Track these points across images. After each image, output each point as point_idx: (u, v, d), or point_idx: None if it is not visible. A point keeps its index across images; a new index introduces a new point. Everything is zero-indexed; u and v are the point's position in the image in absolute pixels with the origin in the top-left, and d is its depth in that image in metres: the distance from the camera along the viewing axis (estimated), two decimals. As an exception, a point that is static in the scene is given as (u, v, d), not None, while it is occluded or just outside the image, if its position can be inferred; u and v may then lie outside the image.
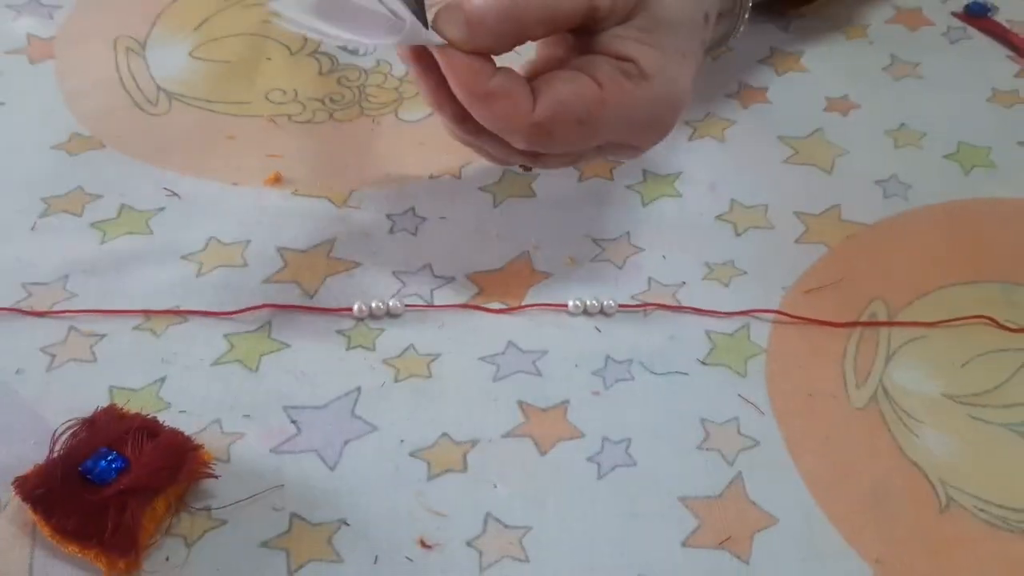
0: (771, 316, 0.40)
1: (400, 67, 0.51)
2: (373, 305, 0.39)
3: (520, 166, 0.40)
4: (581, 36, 0.36)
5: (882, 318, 0.40)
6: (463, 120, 0.36)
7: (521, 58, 0.36)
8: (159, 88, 0.49)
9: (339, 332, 0.39)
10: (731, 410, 0.37)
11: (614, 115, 0.35)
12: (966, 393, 0.38)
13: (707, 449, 0.36)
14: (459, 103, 0.34)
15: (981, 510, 0.34)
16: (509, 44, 0.34)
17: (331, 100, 0.49)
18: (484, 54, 0.34)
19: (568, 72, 0.35)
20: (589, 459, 0.35)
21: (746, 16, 0.41)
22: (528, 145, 0.35)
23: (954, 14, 0.55)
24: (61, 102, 0.48)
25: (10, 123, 0.47)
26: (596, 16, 0.35)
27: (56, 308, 0.39)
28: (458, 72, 0.33)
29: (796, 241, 0.43)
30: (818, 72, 0.51)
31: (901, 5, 0.55)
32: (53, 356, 0.37)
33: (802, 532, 0.33)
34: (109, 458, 0.32)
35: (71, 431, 0.33)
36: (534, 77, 0.35)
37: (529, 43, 0.36)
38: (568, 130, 0.34)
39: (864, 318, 0.40)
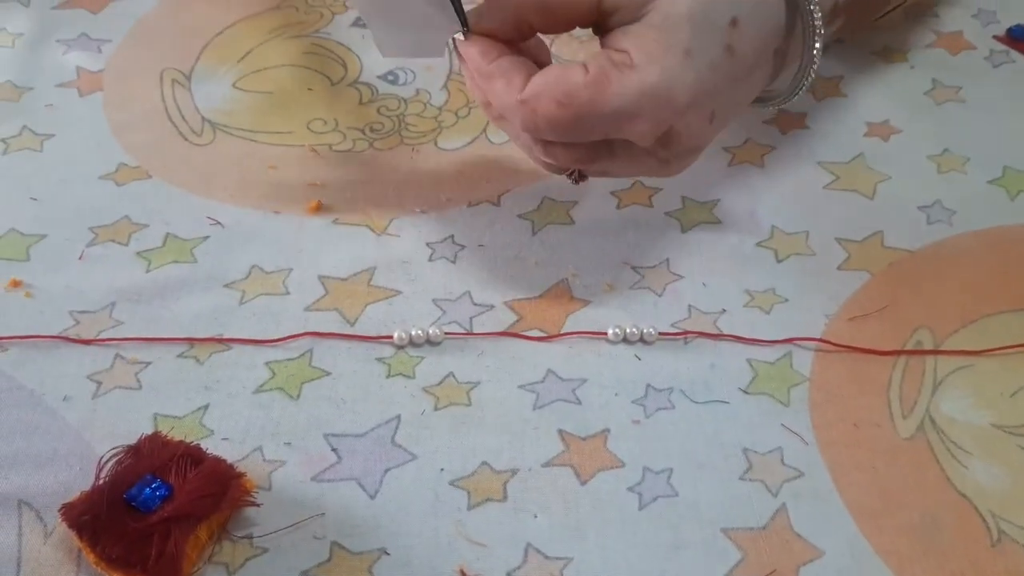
0: (814, 344, 0.39)
1: (439, 97, 0.51)
2: (413, 333, 0.39)
3: (568, 176, 0.41)
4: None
5: (927, 346, 0.39)
6: (487, 105, 0.39)
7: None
8: (203, 119, 0.50)
9: (379, 360, 0.39)
10: (774, 440, 0.36)
11: (595, 100, 0.35)
12: (1016, 423, 0.37)
13: (750, 480, 0.35)
14: None
15: (1034, 544, 0.33)
16: (511, 31, 0.37)
17: (371, 129, 0.49)
18: (497, 40, 0.37)
19: (561, 64, 0.36)
20: (630, 489, 0.35)
21: (815, 63, 0.40)
22: (523, 127, 0.36)
23: (996, 37, 0.54)
24: (109, 133, 0.49)
25: (60, 154, 0.48)
26: (603, 11, 0.36)
27: (102, 336, 0.39)
28: (467, 54, 0.37)
29: (838, 268, 0.42)
30: (858, 97, 0.51)
31: (942, 29, 0.55)
32: (99, 383, 0.38)
33: (848, 566, 0.33)
34: (153, 486, 0.32)
35: (116, 458, 0.34)
36: None
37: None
38: (550, 110, 0.35)
39: (909, 346, 0.39)
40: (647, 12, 0.36)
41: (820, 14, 0.39)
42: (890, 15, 0.52)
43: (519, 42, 0.38)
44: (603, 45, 0.37)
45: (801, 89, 0.42)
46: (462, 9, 0.37)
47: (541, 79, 0.36)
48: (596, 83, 0.35)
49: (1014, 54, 0.53)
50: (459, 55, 0.38)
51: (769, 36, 0.38)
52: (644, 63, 0.35)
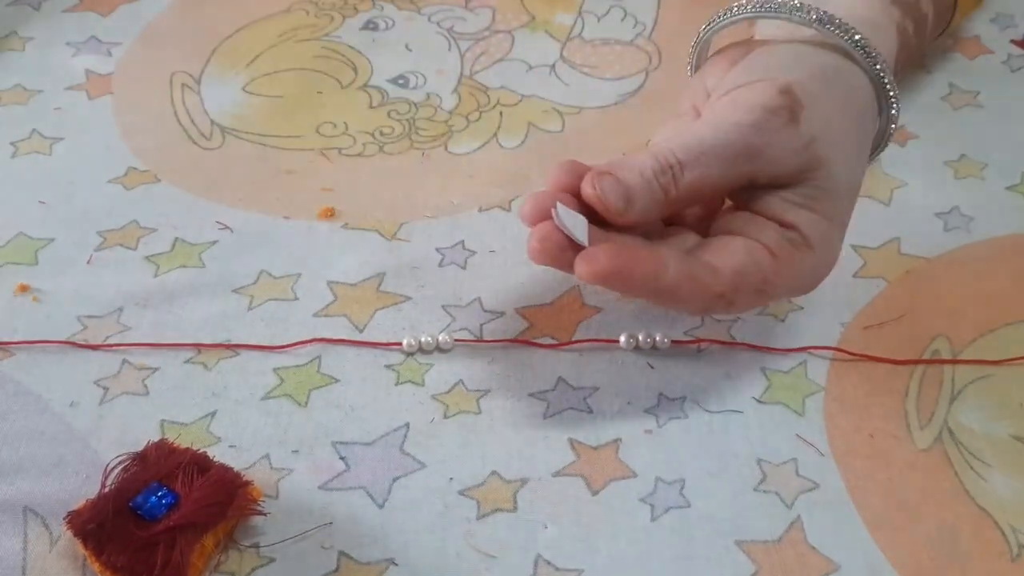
0: (829, 353, 0.39)
1: (450, 101, 0.51)
2: (422, 339, 0.39)
3: None
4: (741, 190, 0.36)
5: (945, 355, 0.39)
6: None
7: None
8: (213, 123, 0.49)
9: (388, 367, 0.38)
10: (789, 450, 0.36)
11: (784, 284, 0.35)
12: (1036, 435, 0.36)
13: (764, 491, 0.34)
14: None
15: (1055, 559, 0.33)
16: (656, 218, 0.35)
17: (381, 133, 0.49)
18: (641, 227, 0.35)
19: (738, 240, 0.34)
20: (642, 500, 0.34)
21: (884, 148, 0.41)
22: (703, 313, 0.36)
23: (1014, 42, 0.54)
24: (118, 137, 0.48)
25: (69, 157, 0.47)
26: (752, 184, 0.35)
27: (110, 341, 0.39)
28: (637, 275, 0.32)
29: (854, 275, 0.42)
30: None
31: (959, 34, 0.54)
32: (106, 389, 0.37)
33: (865, 580, 0.32)
34: (160, 494, 0.32)
35: (122, 465, 0.33)
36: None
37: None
38: (747, 299, 0.35)
39: (926, 355, 0.39)
40: (803, 182, 0.35)
41: (897, 106, 0.39)
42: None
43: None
44: (754, 208, 0.35)
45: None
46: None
47: (733, 269, 0.34)
48: (785, 267, 0.34)
49: (1032, 58, 0.53)
50: (599, 272, 0.32)
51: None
52: (819, 242, 0.35)
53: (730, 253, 0.34)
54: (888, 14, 0.41)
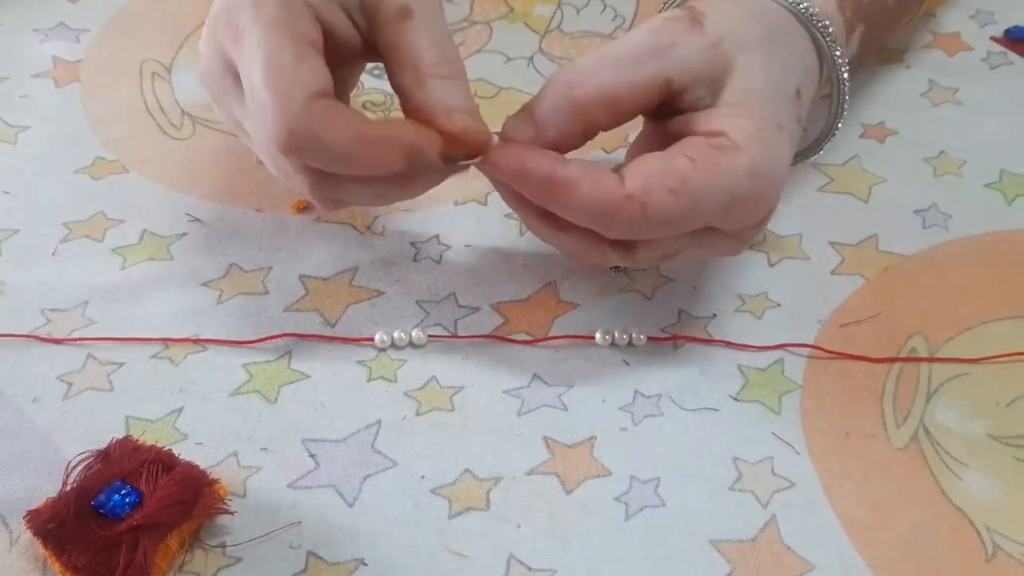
0: (806, 351, 0.38)
1: (426, 92, 0.50)
2: (395, 335, 0.38)
3: (612, 267, 0.40)
4: (670, 125, 0.35)
5: (922, 354, 0.38)
6: (546, 216, 0.34)
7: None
8: (184, 112, 0.48)
9: (360, 363, 0.38)
10: (765, 449, 0.35)
11: (709, 184, 0.33)
12: (1012, 434, 0.36)
13: (740, 490, 0.34)
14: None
15: (1030, 559, 0.32)
16: (580, 137, 0.34)
17: (356, 125, 0.48)
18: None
19: (656, 154, 0.33)
20: (616, 499, 0.34)
21: (845, 107, 0.39)
22: (622, 228, 0.33)
23: (994, 39, 0.54)
24: (85, 126, 0.47)
25: (35, 147, 0.46)
26: (673, 91, 0.34)
27: (74, 335, 0.38)
28: (529, 165, 0.33)
29: (832, 272, 0.41)
30: (853, 98, 0.50)
31: (939, 30, 0.54)
32: (70, 384, 0.36)
33: (840, 580, 0.32)
34: (123, 492, 0.31)
35: (85, 463, 0.33)
36: None
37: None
38: (663, 201, 0.32)
39: (903, 354, 0.38)
40: (720, 89, 0.34)
41: (847, 73, 0.38)
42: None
43: (579, 146, 0.35)
44: (671, 129, 0.35)
45: (824, 145, 0.41)
46: None
47: (643, 170, 0.33)
48: (706, 168, 0.33)
49: (1012, 55, 0.53)
50: (502, 169, 0.33)
51: (814, 101, 0.38)
52: (747, 142, 0.33)
53: (640, 161, 0.33)
54: None
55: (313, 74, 0.32)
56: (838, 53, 0.38)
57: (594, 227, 0.33)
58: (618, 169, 0.33)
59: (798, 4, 0.37)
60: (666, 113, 0.35)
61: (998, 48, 0.53)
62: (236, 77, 0.34)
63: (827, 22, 0.38)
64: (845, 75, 0.38)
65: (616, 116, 0.34)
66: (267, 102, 0.32)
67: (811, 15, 0.37)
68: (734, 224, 0.35)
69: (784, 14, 0.37)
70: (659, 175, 0.32)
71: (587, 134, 0.35)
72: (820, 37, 0.37)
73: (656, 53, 0.34)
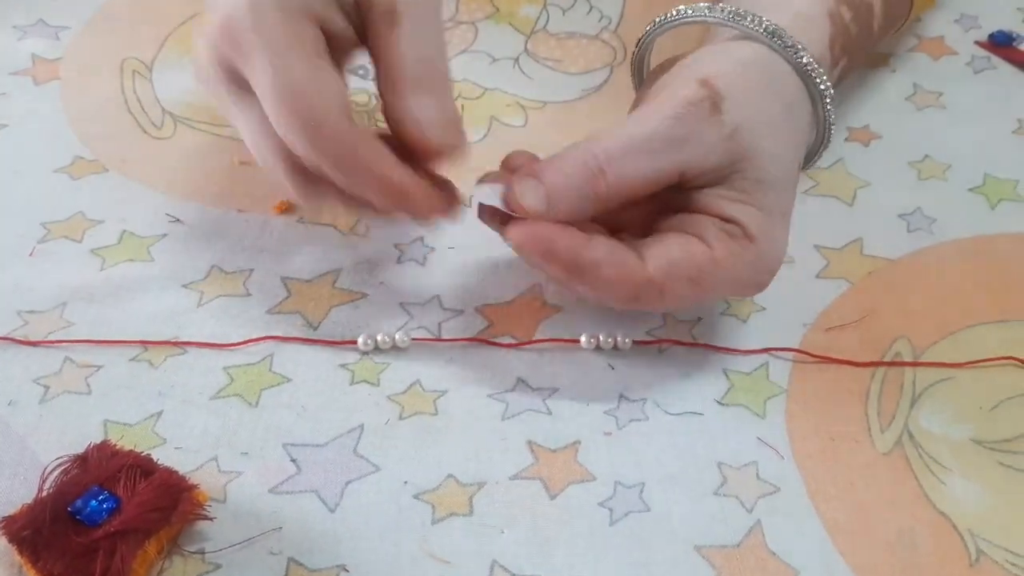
0: (791, 355, 0.38)
1: (410, 92, 0.49)
2: (379, 338, 0.38)
3: None
4: (675, 192, 0.36)
5: (907, 358, 0.38)
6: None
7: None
8: (164, 111, 0.48)
9: (343, 366, 0.37)
10: (749, 453, 0.35)
11: (723, 275, 0.35)
12: (995, 439, 0.36)
13: (724, 495, 0.34)
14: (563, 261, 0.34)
15: (1013, 564, 0.32)
16: (588, 216, 0.35)
17: (339, 125, 0.48)
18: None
19: (674, 234, 0.35)
20: (601, 504, 0.34)
21: (828, 142, 0.40)
22: (638, 305, 0.35)
23: (978, 43, 0.54)
24: (65, 124, 0.47)
25: (13, 145, 0.46)
26: (684, 180, 0.35)
27: (52, 337, 0.37)
28: (558, 249, 0.33)
29: (817, 276, 0.41)
30: (839, 101, 0.50)
31: (923, 34, 0.54)
32: (47, 388, 0.36)
33: (824, 585, 0.32)
34: (100, 498, 0.31)
35: (62, 468, 0.32)
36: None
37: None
38: (680, 288, 0.34)
39: (888, 358, 0.38)
40: (731, 175, 0.35)
41: (830, 94, 0.38)
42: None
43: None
44: (693, 208, 0.35)
45: (807, 168, 0.41)
46: None
47: (666, 257, 0.34)
48: (724, 258, 0.34)
49: (995, 60, 0.53)
50: (527, 250, 0.34)
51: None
52: (759, 234, 0.35)
53: (663, 244, 0.34)
54: (820, 2, 0.41)
55: (330, 86, 0.33)
56: (829, 105, 0.38)
57: (612, 300, 0.35)
58: (639, 248, 0.34)
59: (798, 56, 0.37)
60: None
61: (982, 52, 0.53)
62: (239, 83, 0.34)
63: (829, 87, 0.38)
64: (831, 120, 0.39)
65: (627, 201, 0.35)
66: (290, 127, 0.33)
67: (809, 70, 0.37)
68: (728, 298, 0.39)
69: (791, 77, 0.37)
70: (680, 264, 0.34)
71: (597, 214, 0.35)
72: (818, 98, 0.38)
73: (676, 145, 0.34)
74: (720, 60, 0.37)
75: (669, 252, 0.34)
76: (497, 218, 0.36)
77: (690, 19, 0.38)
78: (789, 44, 0.37)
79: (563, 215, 0.34)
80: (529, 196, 0.34)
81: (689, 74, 0.36)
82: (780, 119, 0.36)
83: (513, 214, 0.35)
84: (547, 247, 0.34)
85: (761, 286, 0.37)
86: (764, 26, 0.37)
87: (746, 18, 0.37)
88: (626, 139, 0.34)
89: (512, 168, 0.36)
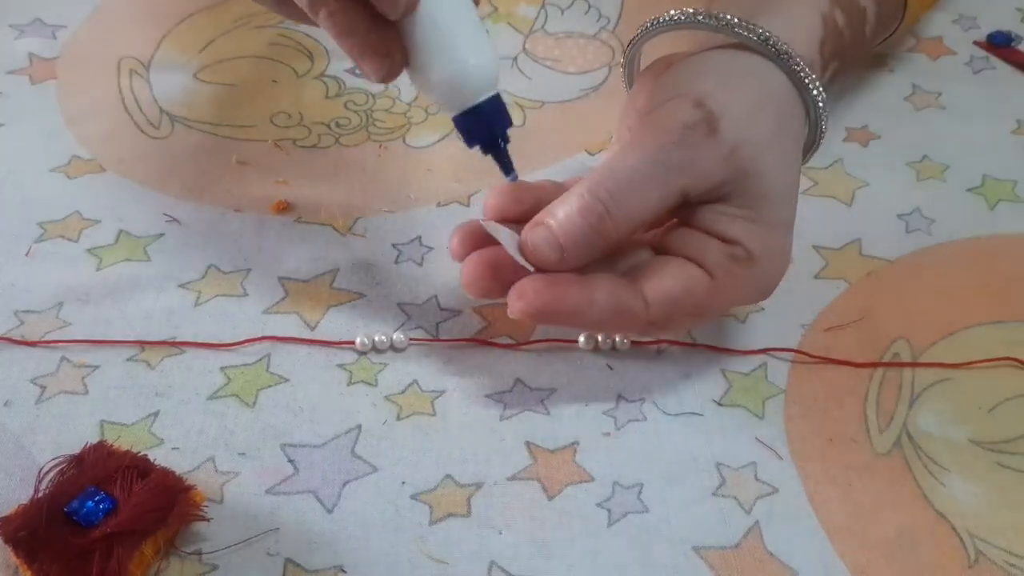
0: (789, 355, 0.38)
1: (408, 92, 0.49)
2: (376, 338, 0.38)
3: None
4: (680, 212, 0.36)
5: (905, 358, 0.38)
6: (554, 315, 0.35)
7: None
8: (162, 111, 0.48)
9: (340, 366, 0.37)
10: (748, 454, 0.35)
11: (723, 301, 0.36)
12: (994, 439, 0.36)
13: (723, 496, 0.34)
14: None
15: (1012, 565, 0.32)
16: (598, 257, 0.35)
17: (337, 124, 0.48)
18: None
19: (675, 263, 0.35)
20: (599, 505, 0.34)
21: (819, 146, 0.40)
22: (642, 337, 0.37)
23: (977, 43, 0.54)
24: (61, 124, 0.47)
25: (9, 145, 0.46)
26: (686, 199, 0.35)
27: (48, 337, 0.37)
28: (564, 310, 0.33)
29: (815, 276, 0.41)
30: (837, 101, 0.50)
31: (922, 34, 0.54)
32: (43, 388, 0.36)
33: (823, 586, 0.32)
34: (96, 499, 0.31)
35: (58, 469, 0.32)
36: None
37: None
38: (682, 323, 0.36)
39: (886, 358, 0.38)
40: (732, 192, 0.35)
41: (822, 98, 0.38)
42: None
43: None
44: (693, 224, 0.35)
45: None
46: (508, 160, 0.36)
47: (666, 297, 0.34)
48: (724, 286, 0.34)
49: (994, 60, 0.53)
50: (533, 316, 0.34)
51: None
52: (761, 253, 0.35)
53: (665, 278, 0.34)
54: (814, 5, 0.40)
55: None
56: (822, 111, 0.38)
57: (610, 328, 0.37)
58: (640, 280, 0.34)
59: (792, 64, 0.37)
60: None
61: (981, 53, 0.53)
62: None
63: (822, 92, 0.37)
64: (824, 126, 0.38)
65: (634, 232, 0.35)
66: None
67: (803, 76, 0.37)
68: (731, 311, 0.40)
69: (785, 86, 0.37)
70: (680, 302, 0.34)
71: (604, 253, 0.35)
72: (811, 104, 0.38)
73: (676, 171, 0.34)
74: (713, 75, 0.36)
75: (670, 290, 0.34)
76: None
77: (682, 24, 0.38)
78: (783, 52, 0.37)
79: (576, 263, 0.34)
80: (544, 248, 0.34)
81: (682, 92, 0.35)
82: (777, 131, 0.36)
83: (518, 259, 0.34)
84: (551, 313, 0.34)
85: (764, 298, 0.37)
86: (757, 34, 0.37)
87: (738, 25, 0.37)
88: (627, 173, 0.34)
89: (501, 200, 0.36)
